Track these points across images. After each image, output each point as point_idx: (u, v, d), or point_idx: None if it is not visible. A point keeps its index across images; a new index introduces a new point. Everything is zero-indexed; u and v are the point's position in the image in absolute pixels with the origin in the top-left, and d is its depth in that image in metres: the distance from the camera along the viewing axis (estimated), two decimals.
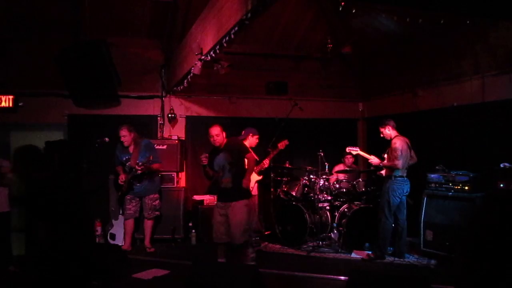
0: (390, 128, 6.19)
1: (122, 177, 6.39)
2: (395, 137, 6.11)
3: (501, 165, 5.41)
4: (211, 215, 7.20)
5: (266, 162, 6.91)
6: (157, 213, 6.71)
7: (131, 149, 6.46)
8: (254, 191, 6.67)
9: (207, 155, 5.35)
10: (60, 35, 7.12)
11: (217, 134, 5.30)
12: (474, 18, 5.52)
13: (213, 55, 5.10)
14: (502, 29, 5.75)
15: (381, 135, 6.27)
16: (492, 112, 6.10)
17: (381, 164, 6.19)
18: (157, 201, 6.69)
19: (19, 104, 7.15)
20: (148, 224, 6.65)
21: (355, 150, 6.62)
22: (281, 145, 6.97)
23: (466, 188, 5.87)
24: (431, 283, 3.81)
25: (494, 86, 6.17)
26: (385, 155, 6.21)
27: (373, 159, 6.26)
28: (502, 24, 5.69)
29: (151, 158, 6.28)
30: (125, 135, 6.39)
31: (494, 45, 6.03)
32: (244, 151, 5.45)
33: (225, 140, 5.40)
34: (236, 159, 5.31)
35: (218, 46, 4.80)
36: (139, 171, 6.25)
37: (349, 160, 7.69)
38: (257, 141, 6.79)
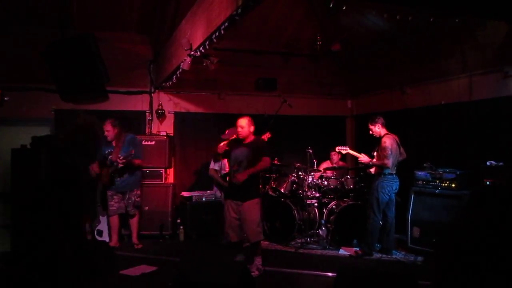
0: (379, 125, 6.22)
1: (94, 167, 6.35)
2: (384, 135, 6.13)
3: (488, 163, 5.48)
4: (200, 211, 7.25)
5: None
6: (137, 209, 6.67)
7: (114, 143, 6.44)
8: None
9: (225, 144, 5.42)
10: (47, 29, 7.01)
11: (242, 126, 5.32)
12: (462, 17, 5.56)
13: (203, 50, 5.08)
14: (490, 28, 5.79)
15: (370, 132, 6.29)
16: (479, 111, 6.17)
17: (370, 163, 6.22)
18: (139, 198, 6.64)
19: (5, 98, 6.99)
20: (134, 221, 6.63)
21: (345, 150, 6.63)
22: (264, 137, 6.91)
23: (453, 185, 5.92)
24: (418, 279, 3.84)
25: (481, 84, 6.24)
26: (375, 153, 6.24)
27: (363, 158, 6.29)
28: (490, 23, 5.73)
29: (132, 152, 6.22)
30: (109, 130, 6.39)
31: (482, 44, 6.08)
32: (264, 153, 5.35)
33: (252, 136, 5.42)
34: (256, 159, 5.27)
35: (207, 42, 4.78)
36: (120, 165, 6.21)
37: (334, 157, 7.72)
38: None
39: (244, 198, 5.23)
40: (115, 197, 6.49)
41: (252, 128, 5.39)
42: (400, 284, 3.77)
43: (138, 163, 6.53)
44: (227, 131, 6.78)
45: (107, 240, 6.60)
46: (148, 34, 7.89)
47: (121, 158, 6.16)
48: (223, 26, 4.16)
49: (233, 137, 5.47)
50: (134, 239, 6.62)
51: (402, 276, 4.07)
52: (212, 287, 4.04)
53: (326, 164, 7.79)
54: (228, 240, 5.48)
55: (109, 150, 6.43)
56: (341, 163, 7.88)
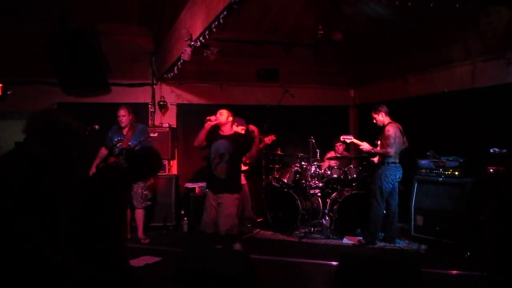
0: (383, 114, 6.20)
1: (92, 171, 6.32)
2: (388, 124, 6.11)
3: (491, 150, 5.45)
4: (203, 202, 7.23)
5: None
6: (148, 203, 6.60)
7: (125, 131, 6.39)
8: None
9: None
10: (49, 22, 7.00)
11: (221, 113, 5.28)
12: (463, 2, 5.50)
13: (203, 40, 5.06)
14: (492, 14, 5.74)
15: (374, 121, 6.27)
16: (482, 98, 6.12)
17: (372, 151, 6.21)
18: (147, 191, 6.55)
19: (8, 92, 7.03)
20: (140, 214, 6.51)
21: (349, 139, 6.62)
22: (268, 139, 6.95)
23: (456, 173, 5.92)
24: (421, 267, 3.84)
25: (484, 71, 6.18)
26: (378, 142, 6.22)
27: (365, 145, 6.28)
28: (492, 9, 5.68)
29: (143, 139, 6.21)
30: (124, 115, 6.37)
31: (484, 30, 6.02)
32: (250, 142, 5.37)
33: (231, 129, 5.35)
34: (237, 152, 5.20)
35: (207, 31, 4.76)
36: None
37: (339, 148, 7.70)
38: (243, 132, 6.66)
39: (224, 191, 5.10)
40: None
41: (230, 118, 5.31)
42: (403, 272, 3.77)
43: None
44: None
45: None
46: (149, 25, 7.87)
47: (131, 145, 6.16)
48: (222, 15, 4.15)
49: (216, 121, 5.35)
50: (140, 234, 6.51)
51: (405, 264, 4.07)
52: (215, 277, 4.07)
53: (330, 154, 7.78)
54: (204, 230, 5.30)
55: (119, 138, 6.38)
56: (345, 153, 7.87)
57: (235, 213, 5.16)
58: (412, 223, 6.29)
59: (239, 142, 5.24)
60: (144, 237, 6.52)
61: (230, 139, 5.21)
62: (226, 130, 5.29)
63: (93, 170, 6.38)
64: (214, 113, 5.38)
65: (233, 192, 5.14)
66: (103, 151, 6.52)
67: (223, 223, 5.08)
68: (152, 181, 6.68)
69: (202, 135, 5.29)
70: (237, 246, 5.30)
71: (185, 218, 7.21)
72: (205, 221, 5.25)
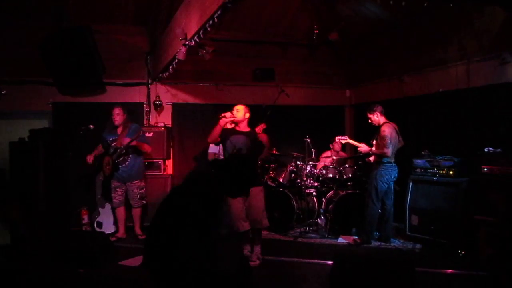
0: (378, 114, 6.20)
1: (89, 158, 6.44)
2: (383, 124, 6.12)
3: (485, 150, 5.46)
4: None
5: None
6: (143, 201, 6.63)
7: (119, 130, 6.41)
8: None
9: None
10: (44, 22, 6.99)
11: (238, 110, 5.33)
12: (458, 3, 5.52)
13: (198, 40, 5.06)
14: (487, 14, 5.76)
15: (369, 121, 6.28)
16: (477, 98, 6.13)
17: (370, 152, 6.22)
18: (143, 189, 6.61)
19: (2, 92, 7.02)
20: (137, 213, 6.58)
21: (344, 139, 6.65)
22: (258, 129, 6.89)
23: (451, 173, 5.92)
24: (415, 266, 3.85)
25: (479, 71, 6.19)
26: (374, 142, 6.23)
27: (363, 147, 6.28)
28: (487, 9, 5.70)
29: (140, 132, 6.27)
30: (118, 113, 6.38)
31: (479, 30, 6.04)
32: (262, 147, 5.45)
33: (248, 127, 5.40)
34: (254, 148, 5.24)
35: (202, 31, 4.76)
36: (123, 150, 6.24)
37: (335, 147, 7.71)
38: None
39: None
40: (118, 189, 6.46)
41: (247, 115, 5.38)
42: (398, 271, 3.78)
43: (147, 149, 6.52)
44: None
45: (107, 232, 6.61)
46: (145, 25, 7.86)
47: (125, 143, 6.18)
48: (216, 14, 4.15)
49: (232, 118, 5.36)
50: (138, 230, 6.57)
51: (400, 263, 4.08)
52: (210, 276, 4.05)
53: (326, 154, 7.79)
54: (236, 231, 5.21)
55: (114, 138, 6.40)
56: (341, 153, 7.88)
57: (264, 205, 5.26)
58: (407, 222, 6.31)
59: (257, 141, 5.31)
60: (141, 233, 6.56)
61: (248, 135, 5.29)
62: (243, 127, 5.36)
63: (91, 158, 6.47)
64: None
65: (256, 185, 5.12)
66: (101, 147, 6.55)
67: (256, 217, 5.14)
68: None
69: (216, 132, 5.27)
70: (258, 250, 5.35)
71: None
72: (237, 222, 5.16)
